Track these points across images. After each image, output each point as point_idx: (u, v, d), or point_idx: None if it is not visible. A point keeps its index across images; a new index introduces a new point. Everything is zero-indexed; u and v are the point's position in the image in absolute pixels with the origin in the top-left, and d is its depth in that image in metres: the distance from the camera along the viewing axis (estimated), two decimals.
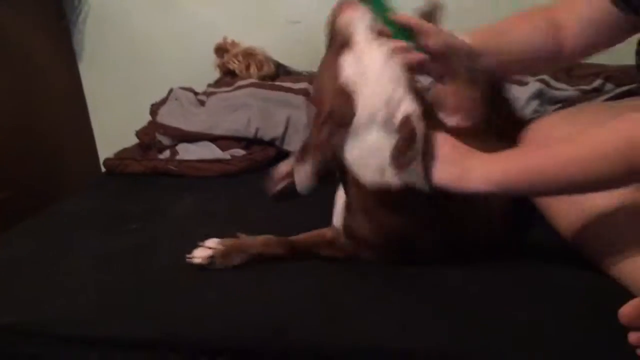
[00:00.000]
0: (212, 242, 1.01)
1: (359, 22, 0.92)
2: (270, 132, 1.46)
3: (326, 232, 1.02)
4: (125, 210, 1.24)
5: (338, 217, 0.99)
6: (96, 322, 0.89)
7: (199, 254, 1.00)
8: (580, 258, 0.94)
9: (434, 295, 0.89)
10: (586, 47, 1.06)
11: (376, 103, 0.85)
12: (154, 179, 1.41)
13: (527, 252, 1.01)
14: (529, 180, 0.81)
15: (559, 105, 1.37)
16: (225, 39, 1.77)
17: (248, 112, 1.49)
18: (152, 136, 1.54)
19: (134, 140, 1.59)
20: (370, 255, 0.95)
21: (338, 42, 0.91)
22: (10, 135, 1.70)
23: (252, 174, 1.40)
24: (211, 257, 0.99)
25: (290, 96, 1.54)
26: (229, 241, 1.01)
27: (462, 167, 0.83)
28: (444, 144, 0.86)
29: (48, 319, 0.90)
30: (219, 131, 1.47)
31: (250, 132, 1.45)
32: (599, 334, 0.79)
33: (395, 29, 0.98)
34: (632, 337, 0.71)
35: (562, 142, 0.82)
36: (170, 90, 1.67)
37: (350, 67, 0.88)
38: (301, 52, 1.81)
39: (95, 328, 0.89)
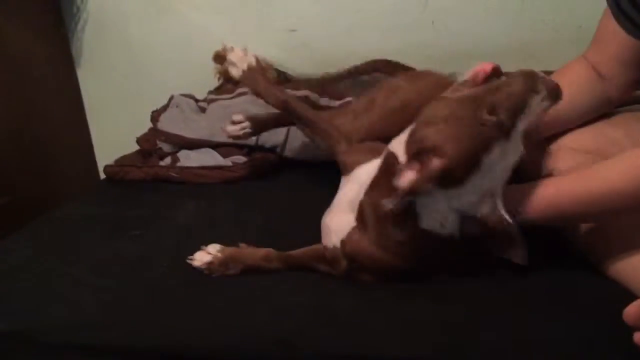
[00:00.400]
0: (214, 248, 1.02)
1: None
2: (271, 139, 1.46)
3: (323, 248, 1.01)
4: (126, 216, 1.24)
5: (334, 238, 0.97)
6: (95, 330, 0.89)
7: (199, 258, 1.01)
8: (581, 260, 0.94)
9: (436, 304, 0.89)
10: (628, 83, 1.05)
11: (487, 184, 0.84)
12: (154, 185, 1.40)
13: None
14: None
15: None
16: (224, 46, 1.77)
17: None
18: (152, 143, 1.53)
19: (133, 147, 1.59)
20: (369, 278, 0.95)
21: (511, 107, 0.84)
22: (9, 141, 1.69)
23: (253, 180, 1.40)
24: (210, 262, 1.00)
25: None
26: (229, 250, 1.02)
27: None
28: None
29: (46, 326, 0.90)
30: (220, 139, 1.46)
31: (251, 140, 1.44)
32: (604, 334, 0.79)
33: None
34: (637, 336, 0.71)
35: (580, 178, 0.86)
36: (171, 97, 1.66)
37: (497, 143, 0.83)
38: (298, 59, 1.81)
39: (94, 336, 0.88)
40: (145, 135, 1.58)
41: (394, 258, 0.91)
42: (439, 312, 0.87)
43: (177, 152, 1.49)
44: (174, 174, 1.41)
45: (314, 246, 1.02)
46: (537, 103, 0.84)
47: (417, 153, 0.83)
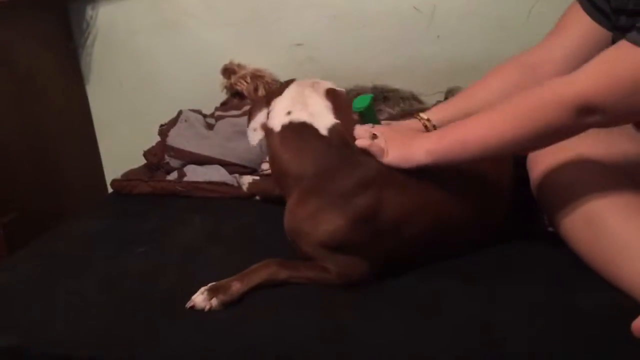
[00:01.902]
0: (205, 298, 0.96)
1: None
2: None
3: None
4: (132, 232, 1.24)
5: None
6: (100, 345, 0.89)
7: (199, 305, 0.95)
8: (588, 272, 0.93)
9: (438, 315, 0.89)
10: None
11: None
12: (161, 199, 1.41)
13: (531, 263, 1.01)
14: (461, 146, 0.91)
15: None
16: (231, 60, 1.78)
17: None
18: (160, 157, 1.54)
19: (141, 161, 1.59)
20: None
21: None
22: (18, 157, 1.70)
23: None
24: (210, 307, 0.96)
25: None
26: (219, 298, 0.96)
27: (407, 147, 0.96)
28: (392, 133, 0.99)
29: (52, 341, 0.90)
30: (230, 158, 1.47)
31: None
32: (612, 347, 0.79)
33: None
34: None
35: (488, 110, 0.90)
36: (180, 112, 1.67)
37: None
38: (305, 73, 1.82)
39: (99, 351, 0.88)
40: (152, 149, 1.59)
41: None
42: (442, 322, 0.87)
43: (184, 166, 1.50)
44: (180, 189, 1.42)
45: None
46: None
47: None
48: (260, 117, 1.06)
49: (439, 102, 1.55)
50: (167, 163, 1.52)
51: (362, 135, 0.99)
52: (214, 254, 1.11)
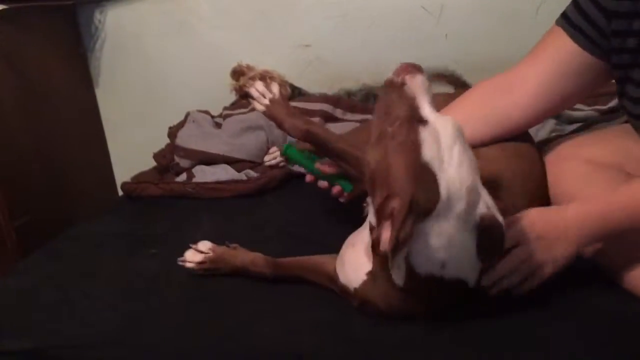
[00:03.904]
0: (204, 246, 1.04)
1: (422, 91, 0.82)
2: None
3: (326, 263, 0.98)
4: (143, 234, 1.25)
5: (350, 277, 0.91)
6: (111, 347, 0.89)
7: (190, 258, 1.03)
8: (600, 274, 0.93)
9: (449, 324, 0.88)
10: (551, 104, 1.04)
11: (459, 190, 0.77)
12: (171, 201, 1.41)
13: None
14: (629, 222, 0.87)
15: (578, 124, 1.36)
16: (240, 62, 1.79)
17: (266, 134, 1.51)
18: (169, 159, 1.55)
19: (150, 164, 1.60)
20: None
21: (402, 112, 0.79)
22: (29, 161, 1.71)
23: (267, 193, 1.41)
24: (201, 262, 1.02)
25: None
26: (220, 249, 1.04)
27: (568, 239, 0.88)
28: (533, 222, 0.89)
29: (65, 344, 0.91)
30: (239, 155, 1.48)
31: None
32: (624, 350, 0.78)
33: (325, 176, 1.07)
34: None
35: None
36: (187, 114, 1.68)
37: (430, 145, 0.77)
38: (313, 74, 1.83)
39: (113, 353, 0.89)
40: (161, 151, 1.60)
41: (406, 305, 0.86)
42: (455, 328, 0.86)
43: (192, 167, 1.51)
44: (189, 190, 1.42)
45: (312, 257, 1.01)
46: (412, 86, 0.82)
47: (379, 210, 0.76)
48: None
49: None
50: (177, 164, 1.53)
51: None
52: None
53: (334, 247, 0.99)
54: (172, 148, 1.57)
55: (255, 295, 0.98)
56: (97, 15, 1.94)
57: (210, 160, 1.51)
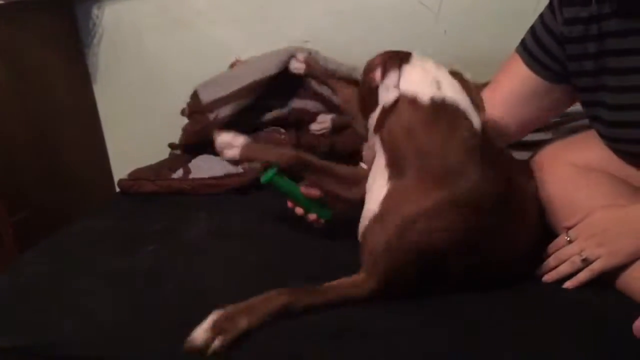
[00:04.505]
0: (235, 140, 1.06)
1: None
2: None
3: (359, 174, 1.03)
4: (141, 230, 1.25)
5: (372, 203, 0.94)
6: (111, 345, 0.89)
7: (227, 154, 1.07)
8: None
9: (451, 313, 0.89)
10: (517, 126, 1.08)
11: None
12: (168, 198, 1.42)
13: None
14: None
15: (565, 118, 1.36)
16: (238, 57, 1.78)
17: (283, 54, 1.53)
18: (202, 123, 1.54)
19: (149, 160, 1.60)
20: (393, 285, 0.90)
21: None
22: (26, 157, 1.71)
23: (262, 189, 1.39)
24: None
25: None
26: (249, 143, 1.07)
27: (631, 235, 0.88)
28: (595, 219, 0.91)
29: (60, 341, 0.91)
30: (270, 70, 1.50)
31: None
32: (614, 347, 0.79)
33: (307, 203, 1.08)
34: None
35: None
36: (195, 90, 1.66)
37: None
38: None
39: (107, 351, 0.88)
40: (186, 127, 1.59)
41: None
42: (455, 333, 0.86)
43: (235, 112, 1.50)
44: (186, 186, 1.42)
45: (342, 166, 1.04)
46: None
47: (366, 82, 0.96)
48: (393, 77, 0.92)
49: None
50: (215, 119, 1.50)
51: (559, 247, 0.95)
52: (221, 251, 1.11)
53: (330, 245, 0.99)
54: (203, 111, 1.54)
55: (257, 293, 0.97)
56: (95, 11, 1.94)
57: (247, 92, 1.49)
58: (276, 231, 1.15)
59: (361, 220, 0.96)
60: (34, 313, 0.98)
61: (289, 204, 1.11)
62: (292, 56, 1.47)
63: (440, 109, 0.89)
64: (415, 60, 0.95)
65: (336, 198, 1.07)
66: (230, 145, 1.07)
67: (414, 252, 0.87)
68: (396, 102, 0.91)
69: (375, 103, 0.95)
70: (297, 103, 1.57)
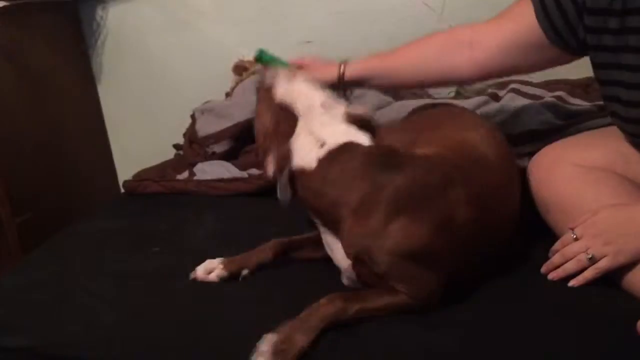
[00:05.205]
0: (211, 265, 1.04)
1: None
2: None
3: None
4: (146, 231, 1.25)
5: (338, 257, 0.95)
6: (113, 347, 0.89)
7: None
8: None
9: (453, 312, 0.88)
10: (501, 68, 1.09)
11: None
12: (173, 199, 1.41)
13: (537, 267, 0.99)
14: None
15: (573, 119, 1.35)
16: (241, 58, 1.78)
17: None
18: (196, 152, 1.56)
19: (153, 160, 1.60)
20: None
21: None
22: (31, 158, 1.72)
23: (269, 192, 1.39)
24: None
25: None
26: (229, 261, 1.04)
27: (635, 235, 0.87)
28: (600, 218, 0.91)
29: (64, 342, 0.91)
30: (249, 108, 1.46)
31: None
32: (618, 346, 0.79)
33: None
34: None
35: None
36: (193, 114, 1.67)
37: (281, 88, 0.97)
38: None
39: (112, 352, 0.88)
40: (186, 153, 1.59)
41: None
42: (458, 324, 0.86)
43: (230, 148, 1.51)
44: (191, 187, 1.42)
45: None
46: None
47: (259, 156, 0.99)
48: (284, 173, 0.93)
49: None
50: (214, 153, 1.52)
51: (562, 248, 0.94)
52: (227, 253, 1.11)
53: None
54: (200, 143, 1.55)
55: (260, 296, 0.97)
56: (99, 12, 1.94)
57: (240, 130, 1.49)
58: (282, 232, 1.14)
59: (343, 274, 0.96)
60: (38, 314, 0.98)
61: None
62: None
63: (328, 161, 0.91)
64: (300, 127, 0.95)
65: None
66: (211, 269, 1.04)
67: (410, 250, 0.87)
68: (292, 178, 0.93)
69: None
70: None
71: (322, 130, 0.93)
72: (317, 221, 0.96)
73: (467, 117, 1.14)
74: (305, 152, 0.92)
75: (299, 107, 0.95)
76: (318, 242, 1.00)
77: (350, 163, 0.90)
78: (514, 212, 1.01)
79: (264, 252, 1.05)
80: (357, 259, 0.89)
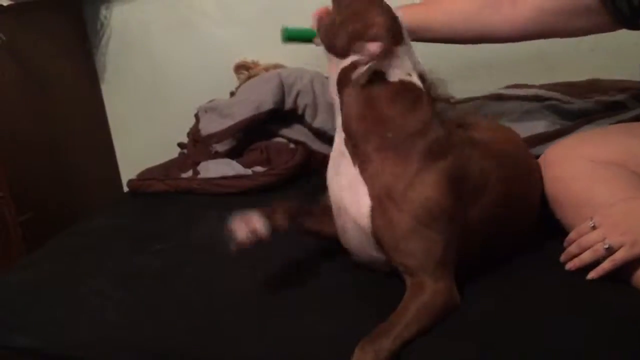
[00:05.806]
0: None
1: None
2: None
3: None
4: (149, 229, 1.25)
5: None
6: (118, 344, 0.89)
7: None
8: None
9: (456, 312, 0.88)
10: (540, 32, 1.06)
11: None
12: (177, 197, 1.41)
13: (549, 265, 0.99)
14: None
15: (579, 120, 1.35)
16: (245, 58, 1.79)
17: (280, 77, 1.54)
18: (200, 152, 1.55)
19: (157, 160, 1.60)
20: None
21: None
22: (34, 157, 1.72)
23: (273, 188, 1.40)
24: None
25: None
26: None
27: None
28: (617, 210, 0.90)
29: (69, 341, 0.91)
30: (264, 106, 1.49)
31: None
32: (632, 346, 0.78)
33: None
34: None
35: None
36: (196, 114, 1.66)
37: None
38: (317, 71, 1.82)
39: (117, 349, 0.89)
40: (190, 151, 1.59)
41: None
42: (461, 322, 0.86)
43: (233, 146, 1.51)
44: (196, 186, 1.42)
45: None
46: None
47: (354, 36, 0.91)
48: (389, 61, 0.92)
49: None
50: (217, 152, 1.52)
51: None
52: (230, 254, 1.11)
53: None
54: (204, 142, 1.55)
55: (266, 296, 0.97)
56: (103, 12, 1.94)
57: (244, 126, 1.50)
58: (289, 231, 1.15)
59: (344, 230, 0.95)
60: (42, 313, 0.98)
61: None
62: (283, 87, 1.51)
63: (405, 88, 0.92)
64: (404, 44, 0.96)
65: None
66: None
67: (432, 215, 0.86)
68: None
69: (346, 54, 0.93)
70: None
71: (416, 65, 0.95)
72: (345, 150, 0.92)
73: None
74: (400, 66, 0.92)
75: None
76: (328, 213, 0.99)
77: (410, 103, 0.90)
78: (534, 207, 1.02)
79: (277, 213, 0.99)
80: (380, 201, 0.88)
